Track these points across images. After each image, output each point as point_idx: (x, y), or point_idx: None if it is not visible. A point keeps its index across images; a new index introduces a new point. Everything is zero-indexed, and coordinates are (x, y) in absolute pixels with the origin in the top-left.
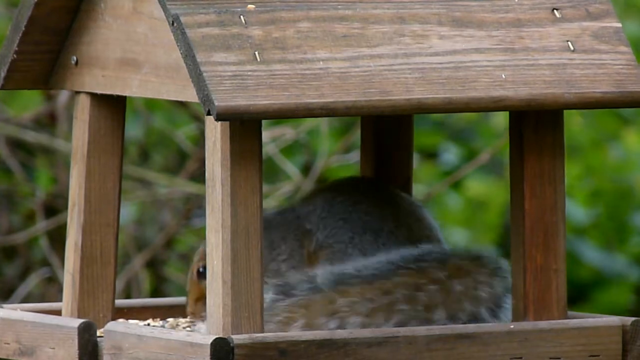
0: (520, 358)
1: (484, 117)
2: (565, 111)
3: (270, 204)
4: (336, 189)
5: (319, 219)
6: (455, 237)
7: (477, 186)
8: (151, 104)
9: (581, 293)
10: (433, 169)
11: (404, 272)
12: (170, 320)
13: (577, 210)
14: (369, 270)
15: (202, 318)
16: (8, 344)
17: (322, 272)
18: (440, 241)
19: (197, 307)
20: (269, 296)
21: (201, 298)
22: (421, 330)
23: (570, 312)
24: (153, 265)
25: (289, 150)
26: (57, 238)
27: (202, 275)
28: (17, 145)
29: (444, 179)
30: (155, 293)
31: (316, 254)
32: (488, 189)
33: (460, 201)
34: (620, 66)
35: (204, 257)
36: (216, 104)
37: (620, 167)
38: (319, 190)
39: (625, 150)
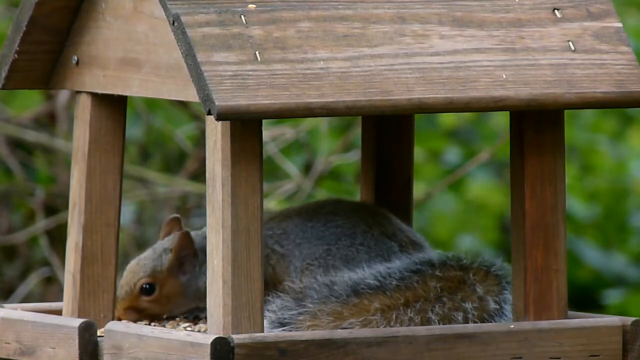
0: (520, 358)
1: (482, 117)
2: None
3: (270, 203)
4: (307, 212)
5: (294, 245)
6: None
7: (477, 187)
8: (150, 104)
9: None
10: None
11: (425, 279)
12: (171, 320)
13: (577, 208)
14: (392, 280)
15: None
16: (8, 343)
17: (339, 280)
18: (417, 242)
19: (125, 315)
20: (278, 302)
21: (132, 308)
22: (421, 330)
23: (570, 312)
24: None
25: (289, 149)
26: (57, 237)
27: (144, 291)
28: (17, 145)
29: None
30: None
31: (301, 278)
32: (487, 191)
33: (459, 202)
34: (621, 66)
35: (151, 275)
36: (217, 103)
37: (620, 167)
38: (288, 215)
39: (629, 150)
